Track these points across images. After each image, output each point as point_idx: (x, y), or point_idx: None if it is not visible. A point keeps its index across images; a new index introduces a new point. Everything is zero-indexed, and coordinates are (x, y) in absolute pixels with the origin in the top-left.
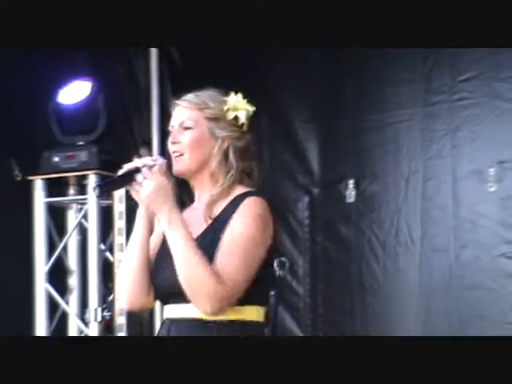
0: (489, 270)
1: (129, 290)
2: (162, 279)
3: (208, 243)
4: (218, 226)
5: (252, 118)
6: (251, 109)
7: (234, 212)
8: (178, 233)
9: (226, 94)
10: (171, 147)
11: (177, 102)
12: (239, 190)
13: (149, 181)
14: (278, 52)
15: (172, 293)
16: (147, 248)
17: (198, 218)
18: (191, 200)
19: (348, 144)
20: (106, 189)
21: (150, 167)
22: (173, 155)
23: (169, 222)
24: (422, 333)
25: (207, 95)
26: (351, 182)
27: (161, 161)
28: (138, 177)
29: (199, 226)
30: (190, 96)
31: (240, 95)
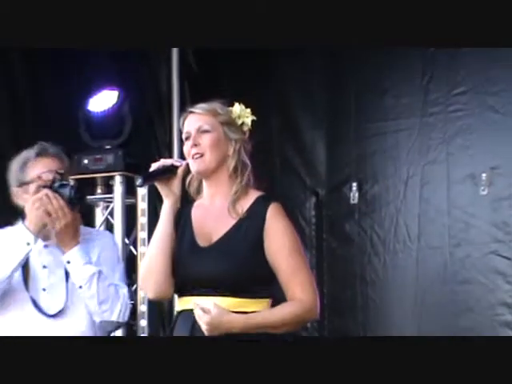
0: (480, 267)
1: (155, 280)
2: (192, 271)
3: (240, 238)
4: (248, 223)
5: (253, 126)
6: (253, 117)
7: (263, 218)
8: (256, 325)
9: (230, 104)
10: (192, 150)
11: (191, 109)
12: (254, 191)
13: None
14: (288, 64)
15: (201, 285)
16: (171, 242)
17: (219, 214)
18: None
19: (352, 150)
20: (148, 180)
21: (177, 167)
22: (193, 157)
23: (245, 330)
24: (417, 323)
25: (215, 104)
26: (354, 185)
27: (184, 162)
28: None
29: (223, 222)
30: (202, 104)
31: (242, 105)
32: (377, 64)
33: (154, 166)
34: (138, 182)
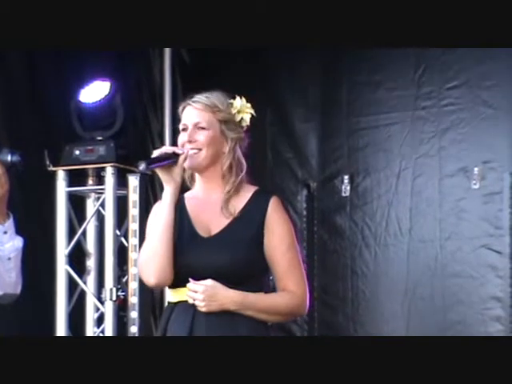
0: (470, 260)
1: (158, 265)
2: (193, 261)
3: (242, 231)
4: (245, 222)
5: (252, 121)
6: (253, 112)
7: (264, 211)
8: (251, 304)
9: (232, 96)
10: (187, 145)
11: (189, 102)
12: (247, 187)
13: None
14: (280, 57)
15: (201, 275)
16: (173, 227)
17: (214, 212)
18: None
19: (344, 143)
20: (151, 165)
21: (178, 155)
22: (189, 152)
23: (242, 307)
24: (407, 316)
25: (216, 98)
26: (346, 178)
27: (186, 151)
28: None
29: (218, 220)
30: (201, 98)
31: (244, 99)
32: (370, 57)
33: (156, 153)
34: (142, 166)
